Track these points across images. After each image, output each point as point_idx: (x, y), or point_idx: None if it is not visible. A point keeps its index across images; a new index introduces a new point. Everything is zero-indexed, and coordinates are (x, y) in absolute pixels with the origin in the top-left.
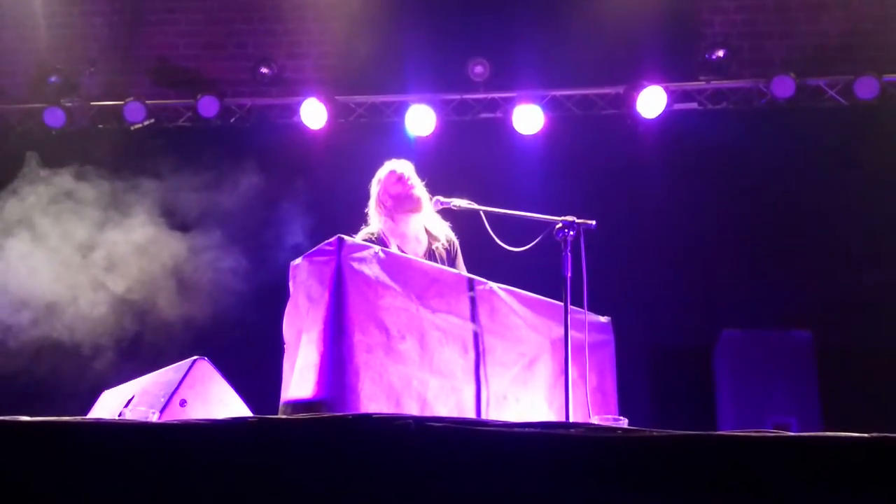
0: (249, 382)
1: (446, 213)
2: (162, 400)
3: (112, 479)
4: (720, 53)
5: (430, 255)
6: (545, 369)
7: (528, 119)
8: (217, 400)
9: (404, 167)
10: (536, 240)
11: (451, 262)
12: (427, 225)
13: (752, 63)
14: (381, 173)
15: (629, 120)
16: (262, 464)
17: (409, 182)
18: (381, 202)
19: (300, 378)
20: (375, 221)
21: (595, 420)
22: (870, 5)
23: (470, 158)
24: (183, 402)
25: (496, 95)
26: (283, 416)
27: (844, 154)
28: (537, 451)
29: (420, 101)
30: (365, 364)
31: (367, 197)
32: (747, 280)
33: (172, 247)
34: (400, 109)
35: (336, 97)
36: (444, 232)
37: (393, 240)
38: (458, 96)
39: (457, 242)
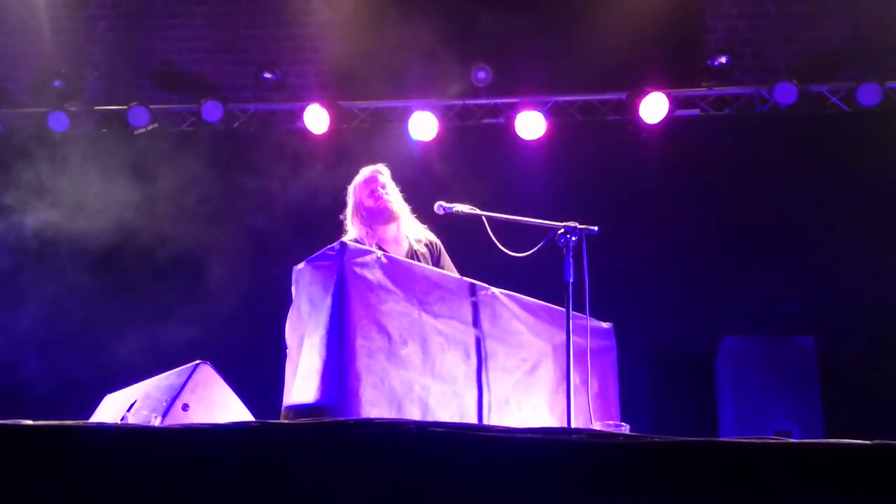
0: (251, 387)
1: (448, 218)
2: (164, 404)
3: (114, 483)
4: (722, 60)
5: (412, 256)
6: (547, 375)
7: (531, 125)
8: (219, 404)
9: (377, 178)
10: (539, 245)
11: (436, 262)
12: (405, 230)
13: (754, 69)
14: (355, 183)
15: (631, 126)
16: (264, 468)
17: (384, 196)
18: (357, 212)
19: (302, 383)
20: (353, 229)
21: (597, 426)
22: (873, 12)
23: (472, 164)
24: (185, 407)
25: (499, 101)
26: (285, 421)
27: (847, 161)
28: (539, 457)
29: (423, 106)
30: (367, 369)
31: None
32: (749, 286)
33: (173, 250)
34: (403, 115)
35: (339, 102)
36: (424, 234)
37: (373, 245)
38: (460, 102)
39: (439, 243)
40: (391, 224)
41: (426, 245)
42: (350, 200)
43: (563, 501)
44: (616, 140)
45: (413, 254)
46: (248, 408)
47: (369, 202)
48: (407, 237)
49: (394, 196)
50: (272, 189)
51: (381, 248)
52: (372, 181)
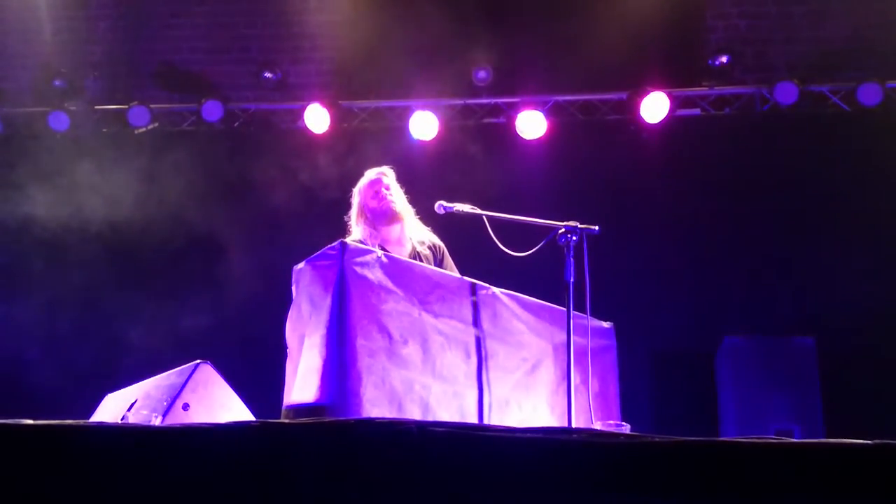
0: (252, 386)
1: (448, 218)
2: (165, 404)
3: (115, 483)
4: (723, 59)
5: (415, 258)
6: (547, 374)
7: (532, 124)
8: (220, 404)
9: (382, 179)
10: (539, 245)
11: (439, 264)
12: (409, 231)
13: (755, 69)
14: (360, 184)
15: (632, 125)
16: (265, 468)
17: (387, 197)
18: (361, 214)
19: (303, 382)
20: (357, 230)
21: (597, 425)
22: (873, 12)
23: (473, 163)
24: (186, 406)
25: (499, 100)
26: (286, 421)
27: (847, 160)
28: (539, 457)
29: (423, 106)
30: (367, 368)
31: None
32: (750, 286)
33: (172, 250)
34: (403, 114)
35: (339, 102)
36: (428, 236)
37: (375, 246)
38: (461, 101)
39: (442, 245)
40: (395, 225)
41: (429, 247)
42: (355, 202)
43: (563, 501)
44: (616, 140)
45: (416, 255)
46: (248, 407)
47: (373, 203)
48: (410, 239)
49: (398, 197)
50: (272, 188)
51: (383, 249)
52: (376, 183)
